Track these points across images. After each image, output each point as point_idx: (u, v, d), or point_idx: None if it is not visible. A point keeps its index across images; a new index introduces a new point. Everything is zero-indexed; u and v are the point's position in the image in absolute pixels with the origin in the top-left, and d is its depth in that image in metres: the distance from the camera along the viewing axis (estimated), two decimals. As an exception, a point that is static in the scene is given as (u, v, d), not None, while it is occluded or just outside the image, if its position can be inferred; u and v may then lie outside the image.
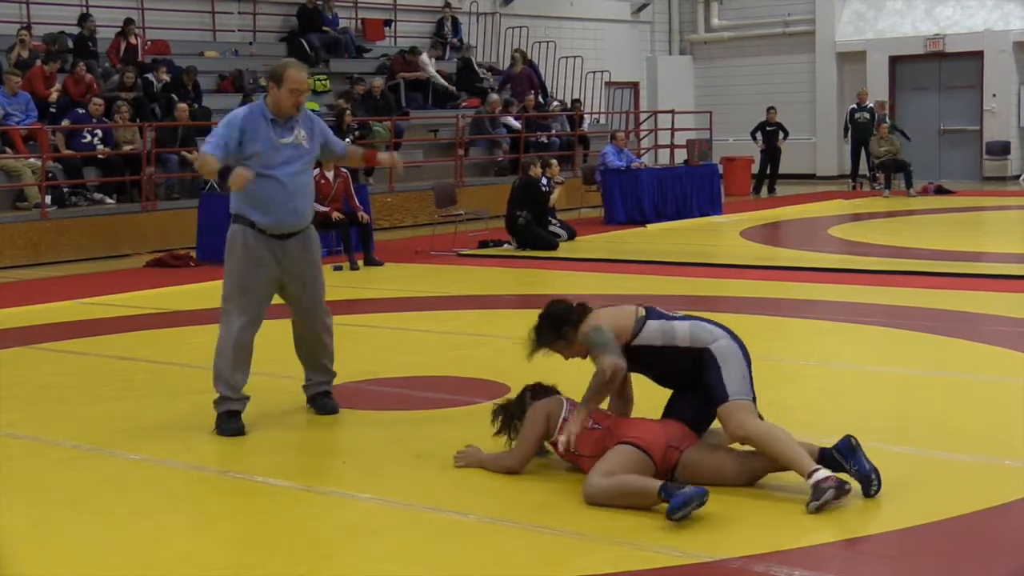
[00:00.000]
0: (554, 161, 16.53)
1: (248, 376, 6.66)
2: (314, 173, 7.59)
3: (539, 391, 5.73)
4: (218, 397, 6.60)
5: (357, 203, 13.95)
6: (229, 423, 6.53)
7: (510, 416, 5.72)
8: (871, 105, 24.09)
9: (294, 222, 6.62)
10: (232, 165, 6.46)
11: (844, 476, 5.02)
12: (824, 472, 4.96)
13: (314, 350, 6.87)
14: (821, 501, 4.91)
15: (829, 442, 5.22)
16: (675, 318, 5.51)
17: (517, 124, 21.61)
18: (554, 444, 5.48)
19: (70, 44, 18.44)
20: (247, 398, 6.66)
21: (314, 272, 6.78)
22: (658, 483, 4.96)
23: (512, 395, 5.94)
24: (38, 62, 17.19)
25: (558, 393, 5.68)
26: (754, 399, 5.35)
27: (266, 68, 20.40)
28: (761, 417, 5.30)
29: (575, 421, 5.35)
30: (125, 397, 7.49)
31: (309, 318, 6.80)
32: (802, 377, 7.79)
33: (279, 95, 6.60)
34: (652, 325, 5.44)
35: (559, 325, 5.55)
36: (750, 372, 5.38)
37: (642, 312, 5.53)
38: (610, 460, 5.16)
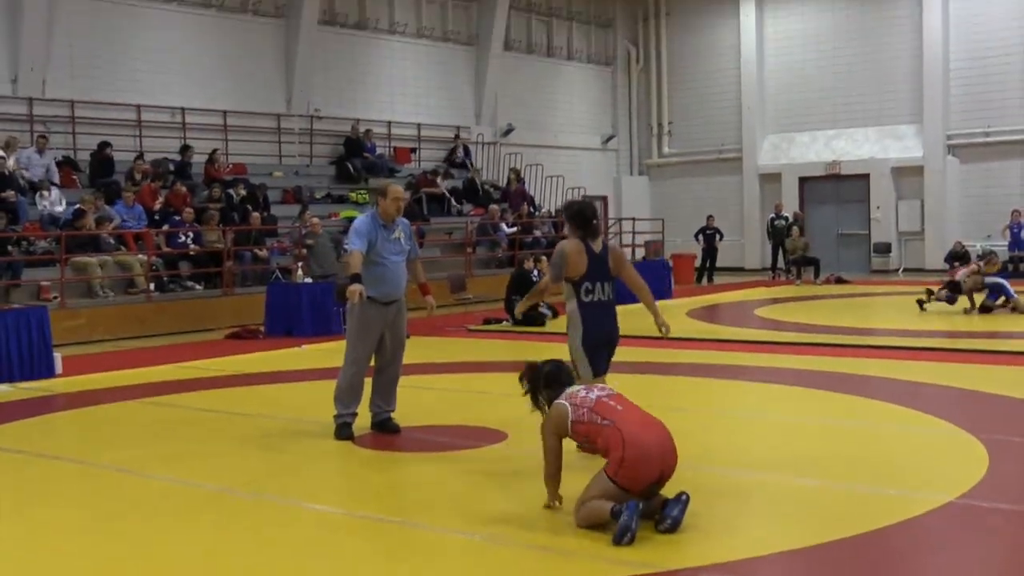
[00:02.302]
0: (543, 257, 16.59)
1: (359, 400, 7.36)
2: None
3: (552, 380, 5.41)
4: (336, 414, 7.31)
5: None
6: (343, 431, 7.26)
7: (534, 392, 5.47)
8: (786, 214, 24.33)
9: (395, 293, 7.35)
10: (354, 280, 6.98)
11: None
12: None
13: (390, 386, 7.48)
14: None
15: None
16: None
17: (512, 228, 21.75)
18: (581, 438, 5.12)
19: (171, 167, 18.63)
20: (356, 415, 7.34)
21: (403, 329, 7.52)
22: (608, 507, 4.72)
23: (532, 373, 5.59)
24: (147, 181, 17.39)
25: (569, 383, 5.36)
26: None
27: (319, 185, 20.80)
28: None
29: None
30: (207, 439, 7.52)
31: (394, 361, 7.44)
32: (728, 424, 7.80)
33: (386, 204, 7.21)
34: None
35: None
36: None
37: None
38: (589, 488, 4.91)
